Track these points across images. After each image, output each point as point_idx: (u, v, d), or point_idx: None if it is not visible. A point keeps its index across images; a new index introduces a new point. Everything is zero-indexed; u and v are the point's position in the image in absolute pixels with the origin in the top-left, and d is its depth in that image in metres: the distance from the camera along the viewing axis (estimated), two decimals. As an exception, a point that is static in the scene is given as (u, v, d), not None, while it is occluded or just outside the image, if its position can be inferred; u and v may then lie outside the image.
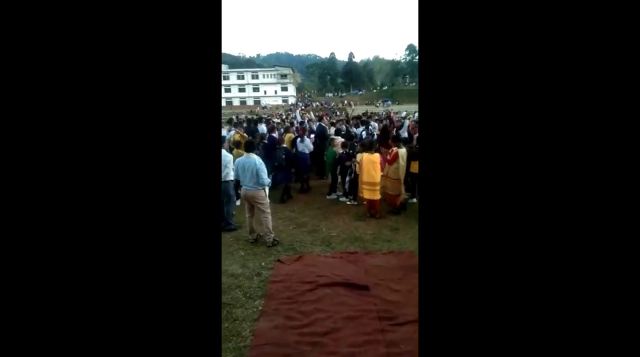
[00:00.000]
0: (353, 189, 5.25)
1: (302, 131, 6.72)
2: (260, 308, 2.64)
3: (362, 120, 8.97)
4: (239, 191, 4.40)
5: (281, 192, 5.64)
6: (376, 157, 4.70)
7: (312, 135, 7.14)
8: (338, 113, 20.07)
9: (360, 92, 55.70)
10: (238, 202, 4.93)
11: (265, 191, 3.86)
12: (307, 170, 6.29)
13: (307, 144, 6.31)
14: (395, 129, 7.85)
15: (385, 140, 6.29)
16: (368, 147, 4.80)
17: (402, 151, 4.82)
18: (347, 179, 5.36)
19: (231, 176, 4.24)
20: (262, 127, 8.14)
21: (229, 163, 4.23)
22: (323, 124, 7.98)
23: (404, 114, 17.81)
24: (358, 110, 26.40)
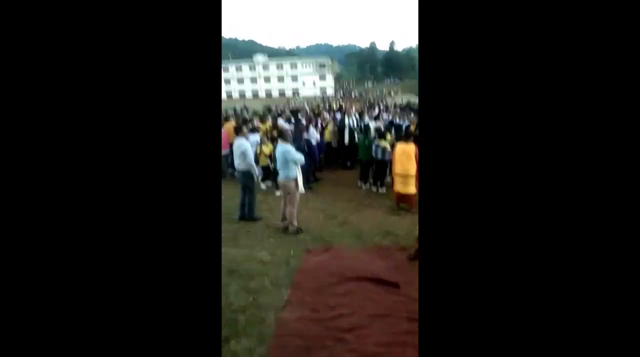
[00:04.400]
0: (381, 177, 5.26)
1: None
2: (285, 297, 2.62)
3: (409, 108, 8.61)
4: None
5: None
6: (410, 147, 4.34)
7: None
8: (371, 103, 18.68)
9: (396, 83, 52.95)
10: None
11: (297, 182, 3.81)
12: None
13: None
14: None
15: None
16: (404, 136, 4.51)
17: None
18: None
19: (241, 166, 4.16)
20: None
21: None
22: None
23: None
24: (398, 99, 25.44)
